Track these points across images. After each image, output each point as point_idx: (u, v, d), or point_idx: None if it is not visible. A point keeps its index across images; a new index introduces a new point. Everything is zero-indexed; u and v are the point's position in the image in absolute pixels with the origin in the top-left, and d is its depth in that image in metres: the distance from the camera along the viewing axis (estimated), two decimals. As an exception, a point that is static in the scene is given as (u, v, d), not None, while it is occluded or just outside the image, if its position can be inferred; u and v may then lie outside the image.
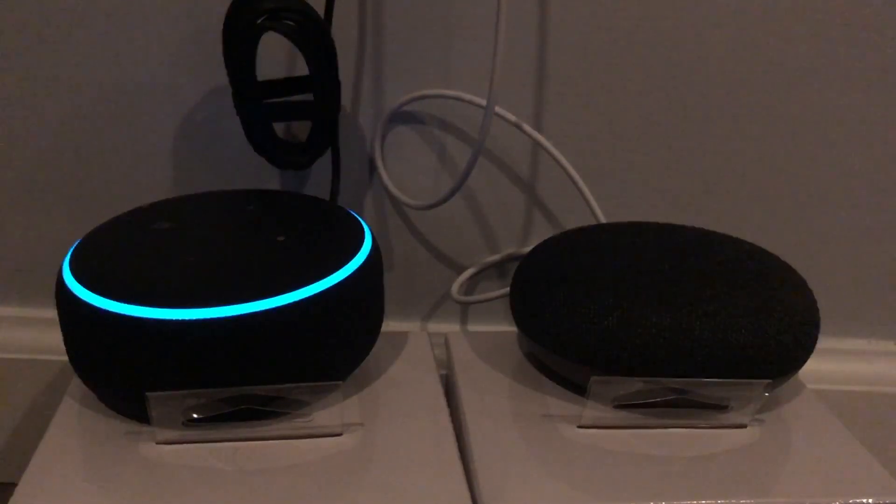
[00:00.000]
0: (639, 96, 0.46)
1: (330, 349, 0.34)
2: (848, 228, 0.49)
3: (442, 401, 0.37)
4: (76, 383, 0.36)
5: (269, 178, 0.47)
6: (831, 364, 0.52)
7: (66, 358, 0.35)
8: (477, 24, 0.44)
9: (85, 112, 0.45)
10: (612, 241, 0.41)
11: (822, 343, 0.38)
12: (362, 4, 0.43)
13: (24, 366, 0.48)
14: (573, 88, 0.45)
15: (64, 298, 0.33)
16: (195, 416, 0.33)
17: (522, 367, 0.41)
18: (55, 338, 0.36)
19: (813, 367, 0.39)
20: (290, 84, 0.43)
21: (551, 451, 0.34)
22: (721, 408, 0.36)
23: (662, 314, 0.34)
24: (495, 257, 0.50)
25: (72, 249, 0.36)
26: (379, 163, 0.47)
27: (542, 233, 0.49)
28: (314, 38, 0.39)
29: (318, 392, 0.33)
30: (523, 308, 0.39)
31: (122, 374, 0.32)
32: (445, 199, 0.45)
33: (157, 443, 0.33)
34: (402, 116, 0.46)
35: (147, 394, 0.31)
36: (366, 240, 0.37)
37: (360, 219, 0.39)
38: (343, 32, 0.43)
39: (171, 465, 0.32)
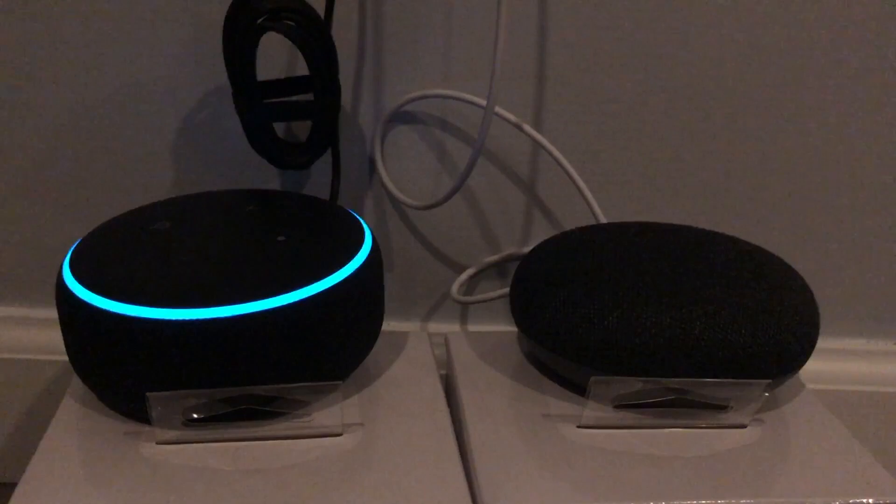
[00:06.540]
0: (639, 96, 0.46)
1: (330, 349, 0.34)
2: (848, 228, 0.49)
3: (442, 401, 0.37)
4: (76, 383, 0.36)
5: (269, 178, 0.47)
6: (831, 364, 0.52)
7: (66, 358, 0.35)
8: (477, 24, 0.44)
9: (85, 112, 0.45)
10: (612, 241, 0.41)
11: (822, 343, 0.38)
12: (362, 4, 0.43)
13: (24, 366, 0.48)
14: (573, 88, 0.45)
15: (64, 298, 0.33)
16: (195, 415, 0.33)
17: (522, 367, 0.41)
18: (55, 338, 0.36)
19: (813, 367, 0.39)
20: (290, 84, 0.43)
21: (551, 451, 0.34)
22: (721, 408, 0.36)
23: (662, 314, 0.34)
24: (495, 257, 0.50)
25: (72, 249, 0.36)
26: (379, 163, 0.47)
27: (542, 233, 0.49)
28: (314, 38, 0.39)
29: (318, 392, 0.33)
30: (523, 308, 0.39)
31: (123, 374, 0.32)
32: (445, 199, 0.45)
33: (157, 443, 0.33)
34: (402, 116, 0.46)
35: (147, 394, 0.31)
36: (366, 240, 0.37)
37: (360, 219, 0.39)
38: (343, 32, 0.43)
39: (171, 465, 0.32)
